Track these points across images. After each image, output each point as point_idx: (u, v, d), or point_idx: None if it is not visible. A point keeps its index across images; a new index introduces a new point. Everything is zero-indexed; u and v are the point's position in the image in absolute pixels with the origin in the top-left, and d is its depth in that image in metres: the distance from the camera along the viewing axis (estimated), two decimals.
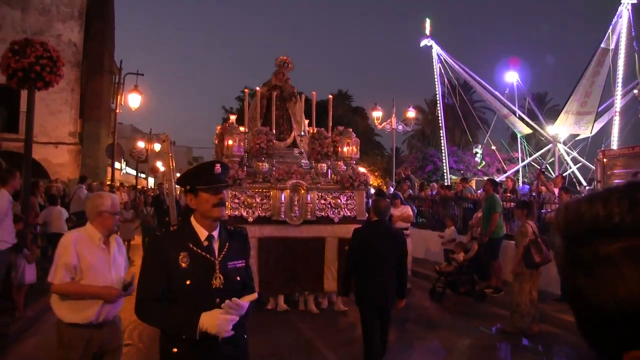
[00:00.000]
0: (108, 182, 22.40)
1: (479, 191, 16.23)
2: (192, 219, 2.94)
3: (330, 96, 11.09)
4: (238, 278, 2.92)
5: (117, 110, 22.76)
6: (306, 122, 11.20)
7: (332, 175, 9.95)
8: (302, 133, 10.86)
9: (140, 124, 48.17)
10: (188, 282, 2.77)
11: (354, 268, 5.93)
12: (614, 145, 19.49)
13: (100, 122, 26.74)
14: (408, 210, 11.74)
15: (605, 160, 15.65)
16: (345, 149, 9.88)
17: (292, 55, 11.16)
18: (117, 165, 29.36)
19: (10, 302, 7.99)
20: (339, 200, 9.50)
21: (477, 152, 29.47)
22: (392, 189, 16.97)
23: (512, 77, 27.28)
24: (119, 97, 22.16)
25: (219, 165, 2.95)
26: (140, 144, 34.74)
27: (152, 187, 45.44)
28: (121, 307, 4.17)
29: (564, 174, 24.09)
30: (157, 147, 37.85)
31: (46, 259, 11.29)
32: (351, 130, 10.20)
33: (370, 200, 12.36)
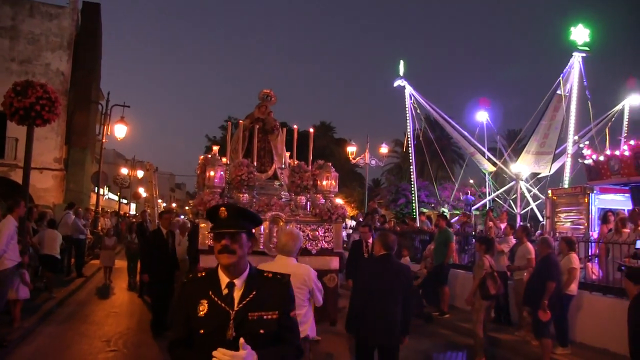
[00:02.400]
0: (92, 208, 23.37)
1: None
2: (219, 265, 2.82)
3: (312, 130, 11.48)
4: (261, 330, 2.67)
5: (104, 140, 23.69)
6: (287, 154, 11.50)
7: (311, 208, 10.18)
8: (283, 166, 11.06)
9: (123, 149, 48.95)
10: (201, 332, 2.68)
11: (361, 304, 5.67)
12: (566, 184, 20.89)
13: (85, 149, 27.62)
14: None
15: (554, 198, 16.94)
16: (324, 183, 10.02)
17: (278, 85, 11.72)
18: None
19: (8, 316, 9.10)
20: (317, 233, 9.60)
21: (444, 211, 30.53)
22: (361, 219, 18.20)
23: (482, 116, 28.47)
24: (105, 127, 23.09)
25: (223, 208, 2.82)
26: (124, 171, 35.60)
27: (135, 213, 46.21)
28: None
29: (524, 210, 25.74)
30: (140, 173, 38.77)
31: (37, 278, 12.32)
32: (330, 164, 10.45)
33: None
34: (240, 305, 2.69)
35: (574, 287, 8.71)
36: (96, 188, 27.35)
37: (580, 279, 9.69)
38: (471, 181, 32.17)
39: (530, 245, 9.92)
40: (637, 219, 9.90)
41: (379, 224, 17.30)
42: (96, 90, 29.35)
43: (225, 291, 2.73)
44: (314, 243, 9.55)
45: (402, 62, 26.94)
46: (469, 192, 28.49)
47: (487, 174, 28.26)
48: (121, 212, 34.42)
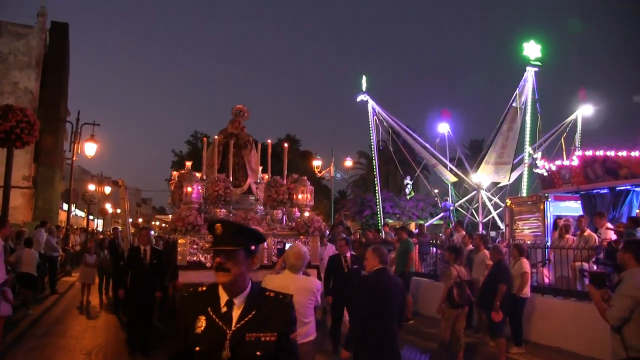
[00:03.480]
0: (61, 225, 23.54)
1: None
2: None
3: (286, 145, 11.70)
4: (258, 352, 2.57)
5: (74, 158, 23.87)
6: (260, 168, 11.69)
7: (287, 222, 10.32)
8: (258, 180, 11.24)
9: (88, 164, 48.65)
10: (197, 349, 2.61)
11: (365, 320, 5.48)
12: (524, 193, 21.87)
13: (54, 167, 27.71)
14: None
15: (513, 206, 17.76)
16: (300, 197, 10.18)
17: (241, 99, 11.93)
18: (67, 207, 30.35)
19: None
20: None
21: (408, 184, 31.36)
22: (327, 232, 18.74)
23: (443, 128, 29.33)
24: (75, 145, 23.28)
25: (219, 224, 2.74)
26: (91, 187, 35.68)
27: (102, 229, 46.09)
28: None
29: (486, 218, 26.68)
30: (107, 190, 38.91)
31: (15, 295, 12.58)
32: (305, 178, 10.67)
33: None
34: (238, 325, 2.61)
35: (526, 291, 9.42)
36: (64, 205, 27.40)
37: (533, 282, 10.48)
38: (436, 191, 33.10)
39: (487, 252, 10.63)
40: (583, 225, 10.74)
41: (344, 236, 17.86)
42: (64, 108, 29.46)
43: (224, 309, 2.65)
44: None
45: (364, 77, 27.72)
46: (448, 199, 29.50)
47: (449, 184, 29.16)
48: (89, 229, 34.44)
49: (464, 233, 14.19)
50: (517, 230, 16.89)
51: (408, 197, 31.28)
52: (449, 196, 29.52)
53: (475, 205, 27.41)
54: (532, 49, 22.50)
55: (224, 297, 2.67)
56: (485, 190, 26.89)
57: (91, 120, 24.84)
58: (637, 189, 13.20)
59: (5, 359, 8.94)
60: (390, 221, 29.83)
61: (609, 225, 11.14)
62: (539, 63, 22.54)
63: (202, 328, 2.62)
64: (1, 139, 10.31)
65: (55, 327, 11.79)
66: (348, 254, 9.86)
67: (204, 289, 2.79)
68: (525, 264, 9.42)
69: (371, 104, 27.47)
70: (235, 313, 2.63)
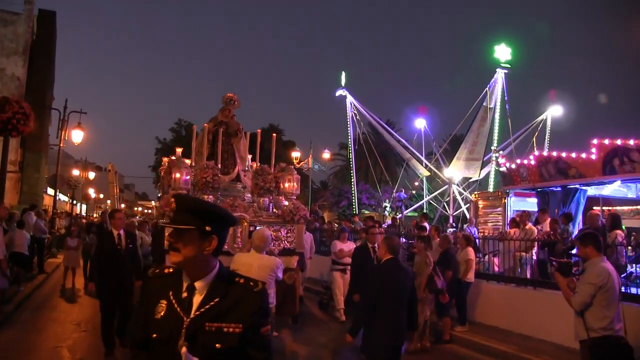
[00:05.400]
0: (46, 209, 24.34)
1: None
2: None
3: (274, 135, 12.06)
4: (217, 345, 2.29)
5: (62, 145, 24.52)
6: (249, 157, 11.90)
7: (274, 209, 10.40)
8: (246, 168, 11.33)
9: (71, 150, 49.16)
10: (154, 336, 2.36)
11: (373, 309, 5.51)
12: (491, 189, 23.09)
13: (40, 153, 28.32)
14: (353, 246, 11.69)
15: (478, 201, 18.94)
16: (287, 185, 10.33)
17: (223, 88, 12.05)
18: (50, 191, 30.91)
19: None
20: (280, 233, 9.80)
21: (386, 207, 32.11)
22: None
23: (420, 123, 30.38)
24: (62, 133, 23.96)
25: (173, 199, 2.46)
26: (75, 172, 36.38)
27: (86, 214, 46.83)
28: None
29: (457, 211, 27.85)
30: (91, 175, 39.62)
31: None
32: (292, 167, 10.99)
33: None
34: (197, 312, 2.32)
35: (471, 276, 10.50)
36: (49, 189, 28.00)
37: (482, 270, 11.61)
38: (415, 184, 34.19)
39: None
40: (525, 219, 11.92)
41: (318, 225, 18.96)
42: (50, 95, 30.04)
43: (184, 294, 2.37)
44: (276, 243, 9.70)
45: (343, 73, 28.70)
46: (403, 190, 30.65)
47: (423, 178, 30.29)
48: (73, 213, 35.19)
49: (426, 224, 15.29)
50: (481, 224, 18.05)
51: (389, 216, 32.01)
52: (422, 190, 30.76)
53: (447, 199, 28.54)
54: (502, 52, 23.64)
55: (185, 281, 2.39)
56: (457, 185, 28.01)
57: (76, 108, 25.52)
58: (584, 187, 14.41)
59: (4, 328, 9.88)
60: (366, 212, 30.93)
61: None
62: (508, 65, 23.70)
63: (162, 314, 2.37)
64: None
65: (45, 303, 12.77)
66: (376, 245, 9.51)
67: (171, 270, 2.51)
68: (471, 252, 10.51)
69: (349, 99, 28.48)
70: (197, 299, 2.35)
